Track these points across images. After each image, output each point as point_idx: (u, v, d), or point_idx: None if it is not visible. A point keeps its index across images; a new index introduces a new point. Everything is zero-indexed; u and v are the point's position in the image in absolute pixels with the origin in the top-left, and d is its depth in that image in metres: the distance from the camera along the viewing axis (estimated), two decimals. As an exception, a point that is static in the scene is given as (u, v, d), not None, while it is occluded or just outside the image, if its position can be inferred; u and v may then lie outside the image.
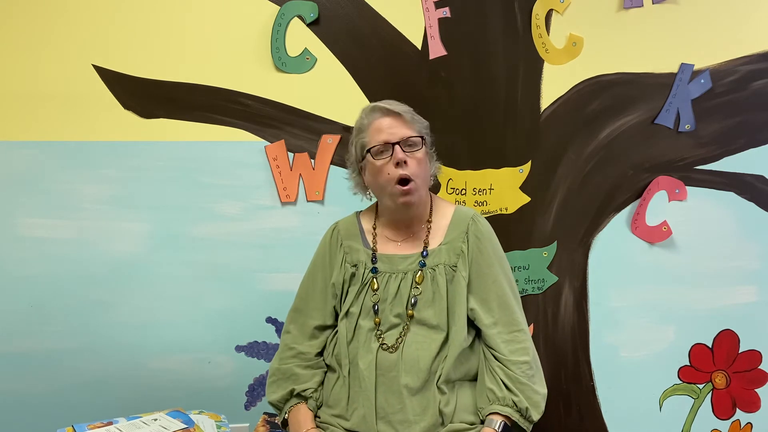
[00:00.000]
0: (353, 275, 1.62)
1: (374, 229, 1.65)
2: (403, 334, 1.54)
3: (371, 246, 1.63)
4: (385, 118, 1.56)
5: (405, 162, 1.52)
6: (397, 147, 1.53)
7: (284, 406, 1.59)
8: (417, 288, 1.56)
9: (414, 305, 1.55)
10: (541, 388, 1.52)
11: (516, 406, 1.48)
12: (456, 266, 1.57)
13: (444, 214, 1.64)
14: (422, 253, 1.59)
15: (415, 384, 1.50)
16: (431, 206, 1.65)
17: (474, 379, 1.57)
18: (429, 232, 1.62)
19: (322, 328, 1.64)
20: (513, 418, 1.48)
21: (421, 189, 1.56)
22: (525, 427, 1.49)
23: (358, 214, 1.71)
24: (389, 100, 1.60)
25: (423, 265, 1.58)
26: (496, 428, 1.46)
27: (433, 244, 1.61)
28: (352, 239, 1.65)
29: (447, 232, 1.61)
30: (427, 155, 1.59)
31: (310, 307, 1.65)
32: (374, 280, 1.59)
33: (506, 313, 1.55)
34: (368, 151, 1.56)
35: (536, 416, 1.50)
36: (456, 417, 1.51)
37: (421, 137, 1.56)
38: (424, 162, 1.56)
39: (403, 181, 1.53)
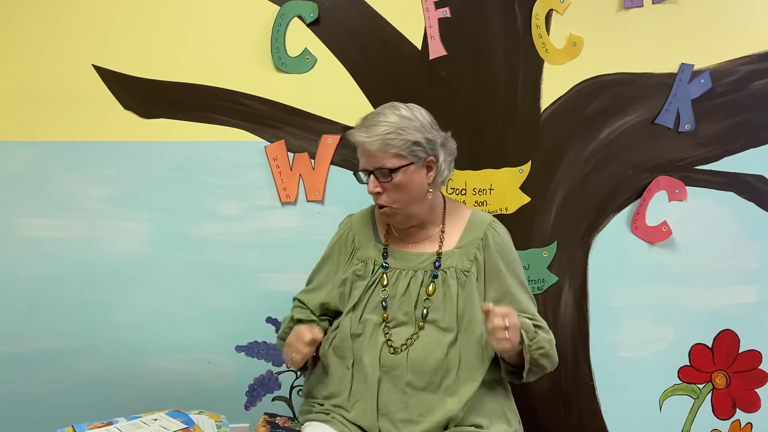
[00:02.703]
0: (361, 271, 1.62)
1: (387, 226, 1.66)
2: (411, 339, 1.53)
3: (383, 241, 1.64)
4: (359, 146, 1.53)
5: (379, 192, 1.52)
6: (371, 177, 1.52)
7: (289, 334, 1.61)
8: (429, 300, 1.56)
9: (425, 317, 1.55)
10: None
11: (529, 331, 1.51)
12: (468, 272, 1.57)
13: (459, 218, 1.64)
14: (435, 263, 1.58)
15: (420, 384, 1.50)
16: (444, 210, 1.64)
17: (488, 383, 1.55)
18: (442, 240, 1.61)
19: (326, 306, 1.67)
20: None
21: (407, 209, 1.55)
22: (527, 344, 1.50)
23: (373, 208, 1.71)
24: (378, 116, 1.53)
25: (435, 276, 1.57)
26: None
27: (447, 247, 1.60)
28: (363, 234, 1.66)
29: (462, 236, 1.61)
30: (417, 172, 1.53)
31: (316, 289, 1.70)
32: (384, 276, 1.59)
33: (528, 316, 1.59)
34: (355, 173, 1.58)
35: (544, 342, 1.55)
36: (464, 420, 1.50)
37: (392, 169, 1.49)
38: (405, 185, 1.52)
39: (381, 205, 1.55)
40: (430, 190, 1.57)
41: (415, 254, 1.61)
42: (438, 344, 1.52)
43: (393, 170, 1.50)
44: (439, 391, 1.50)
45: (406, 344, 1.53)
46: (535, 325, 1.55)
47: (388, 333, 1.55)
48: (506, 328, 1.38)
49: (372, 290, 1.59)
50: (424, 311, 1.55)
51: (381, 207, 1.55)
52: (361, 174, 1.55)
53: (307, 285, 1.75)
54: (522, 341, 1.47)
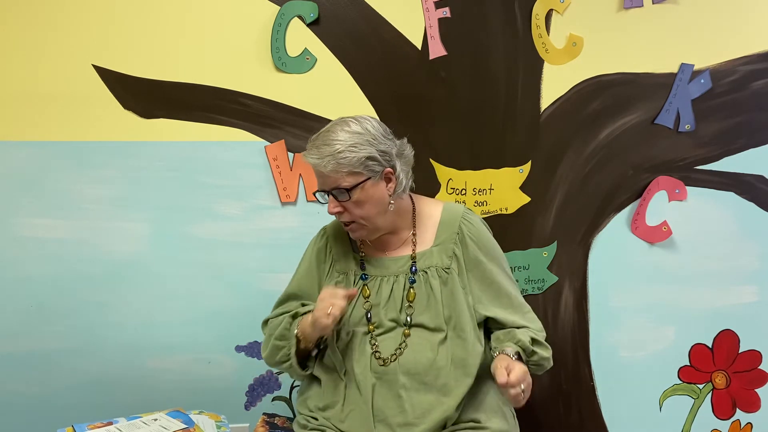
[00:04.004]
0: (342, 283, 1.60)
1: None
2: (399, 349, 1.52)
3: (360, 251, 1.63)
4: (313, 167, 1.50)
5: (339, 211, 1.51)
6: (330, 197, 1.50)
7: (291, 329, 1.55)
8: (411, 307, 1.55)
9: (410, 325, 1.54)
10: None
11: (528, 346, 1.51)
12: (449, 269, 1.56)
13: (431, 216, 1.61)
14: (411, 268, 1.57)
15: (414, 385, 1.50)
16: (414, 212, 1.62)
17: (482, 379, 1.54)
18: (415, 243, 1.59)
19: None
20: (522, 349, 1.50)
21: (372, 222, 1.52)
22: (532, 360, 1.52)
23: None
24: (327, 135, 1.48)
25: (413, 281, 1.56)
26: (511, 355, 1.46)
27: (424, 247, 1.59)
28: (340, 246, 1.64)
29: (437, 233, 1.59)
30: (376, 185, 1.50)
31: (294, 299, 1.67)
32: (365, 287, 1.58)
33: (514, 304, 1.59)
34: (314, 194, 1.57)
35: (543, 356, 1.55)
36: (462, 415, 1.50)
37: (348, 188, 1.47)
38: (365, 201, 1.49)
39: (345, 222, 1.54)
40: (392, 201, 1.53)
41: (392, 259, 1.59)
42: (428, 344, 1.52)
43: (349, 189, 1.47)
44: (434, 390, 1.49)
45: (395, 354, 1.52)
46: (533, 339, 1.53)
47: (374, 344, 1.54)
48: (523, 392, 1.39)
49: (355, 301, 1.57)
50: (408, 318, 1.54)
51: (346, 225, 1.54)
52: (319, 195, 1.54)
53: (280, 302, 1.68)
54: (519, 358, 1.48)
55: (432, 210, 1.62)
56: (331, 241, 1.66)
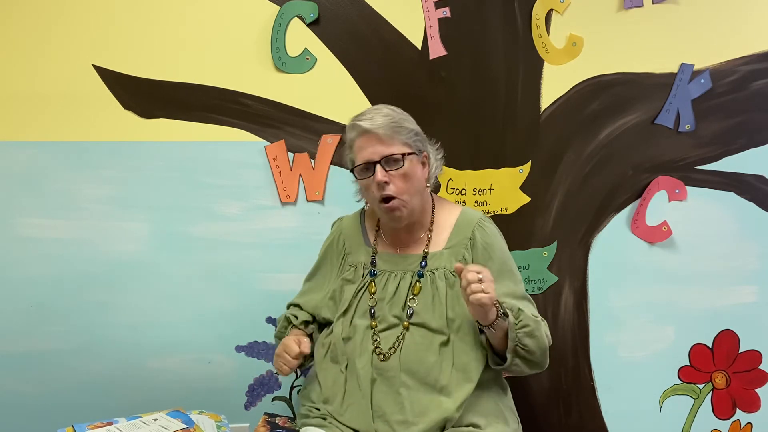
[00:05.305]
0: (351, 276, 1.62)
1: (377, 229, 1.66)
2: (397, 342, 1.53)
3: (372, 245, 1.63)
4: (363, 136, 1.52)
5: (387, 182, 1.50)
6: (378, 167, 1.50)
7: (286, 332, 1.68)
8: (414, 300, 1.55)
9: (410, 317, 1.54)
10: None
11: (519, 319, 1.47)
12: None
13: (448, 217, 1.63)
14: (421, 263, 1.58)
15: (414, 385, 1.50)
16: (433, 210, 1.64)
17: (485, 383, 1.54)
18: (429, 240, 1.61)
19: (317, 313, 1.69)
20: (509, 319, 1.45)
21: (412, 201, 1.53)
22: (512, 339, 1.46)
23: (362, 211, 1.72)
24: (374, 110, 1.55)
25: (421, 275, 1.57)
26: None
27: (435, 248, 1.60)
28: (354, 238, 1.66)
29: (450, 236, 1.60)
30: (418, 164, 1.55)
31: (310, 291, 1.72)
32: (372, 283, 1.59)
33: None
34: (352, 170, 1.56)
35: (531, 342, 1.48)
36: (462, 419, 1.49)
37: (403, 154, 1.51)
38: (411, 175, 1.52)
39: (387, 199, 1.52)
40: (428, 185, 1.60)
41: (403, 257, 1.60)
42: (430, 345, 1.52)
43: (403, 155, 1.50)
44: (434, 391, 1.49)
45: (393, 347, 1.53)
46: (520, 309, 1.50)
47: (376, 340, 1.54)
48: (480, 281, 1.37)
49: (361, 295, 1.59)
50: (410, 311, 1.55)
51: (387, 200, 1.52)
52: (358, 170, 1.53)
53: (302, 289, 1.75)
54: (505, 314, 1.44)
55: (449, 213, 1.64)
56: (346, 233, 1.68)
